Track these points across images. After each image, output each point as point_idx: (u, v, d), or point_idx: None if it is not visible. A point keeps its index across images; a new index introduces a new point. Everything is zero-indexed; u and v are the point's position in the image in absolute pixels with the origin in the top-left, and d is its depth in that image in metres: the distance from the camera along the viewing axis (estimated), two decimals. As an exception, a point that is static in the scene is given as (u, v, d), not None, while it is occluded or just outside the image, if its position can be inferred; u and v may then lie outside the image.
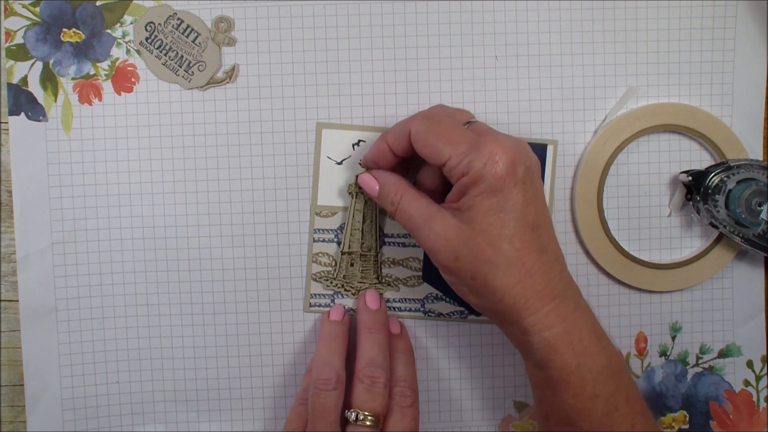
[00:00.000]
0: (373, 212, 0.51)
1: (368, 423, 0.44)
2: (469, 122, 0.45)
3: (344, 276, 0.52)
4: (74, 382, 0.51)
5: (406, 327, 0.53)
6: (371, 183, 0.47)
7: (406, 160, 0.46)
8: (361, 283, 0.52)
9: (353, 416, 0.44)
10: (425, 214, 0.43)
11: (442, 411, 0.53)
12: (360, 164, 0.50)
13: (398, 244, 0.52)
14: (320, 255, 0.51)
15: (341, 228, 0.51)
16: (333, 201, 0.51)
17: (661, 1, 0.51)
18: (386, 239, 0.52)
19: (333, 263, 0.52)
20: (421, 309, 0.52)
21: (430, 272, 0.52)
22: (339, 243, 0.51)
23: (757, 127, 0.52)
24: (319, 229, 0.51)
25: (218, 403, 0.53)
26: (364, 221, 0.51)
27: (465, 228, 0.41)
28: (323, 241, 0.51)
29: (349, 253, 0.51)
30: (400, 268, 0.52)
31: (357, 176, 0.49)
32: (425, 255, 0.52)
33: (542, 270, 0.41)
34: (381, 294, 0.51)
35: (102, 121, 0.50)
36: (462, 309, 0.52)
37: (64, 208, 0.50)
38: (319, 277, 0.52)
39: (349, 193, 0.51)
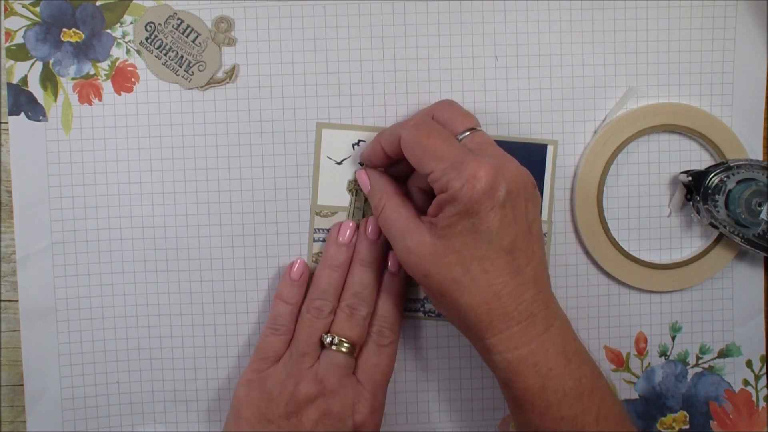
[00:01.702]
0: None
1: (344, 349, 0.47)
2: (472, 129, 0.44)
3: None
4: (74, 382, 0.51)
5: (405, 328, 0.53)
6: (365, 181, 0.48)
7: (403, 159, 0.47)
8: None
9: (328, 340, 0.47)
10: (403, 227, 0.44)
11: (441, 411, 0.53)
12: (359, 162, 0.50)
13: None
14: (321, 255, 0.51)
15: None
16: (333, 201, 0.51)
17: (661, 1, 0.51)
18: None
19: None
20: (421, 309, 0.52)
21: None
22: None
23: (757, 127, 0.52)
24: (319, 229, 0.51)
25: (218, 403, 0.53)
26: (364, 217, 0.51)
27: (439, 245, 0.41)
28: (324, 240, 0.51)
29: None
30: (400, 268, 0.52)
31: (356, 172, 0.50)
32: None
33: (512, 293, 0.41)
34: None
35: (102, 121, 0.50)
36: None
37: (64, 208, 0.50)
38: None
39: (349, 191, 0.51)
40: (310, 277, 0.50)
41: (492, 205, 0.40)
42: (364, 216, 0.51)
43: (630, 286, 0.53)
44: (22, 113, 0.50)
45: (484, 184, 0.39)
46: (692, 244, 0.53)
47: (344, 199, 0.51)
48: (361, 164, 0.50)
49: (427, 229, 0.42)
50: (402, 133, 0.44)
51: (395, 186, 0.47)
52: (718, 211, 0.50)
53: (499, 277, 0.40)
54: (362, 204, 0.51)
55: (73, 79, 0.50)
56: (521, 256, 0.41)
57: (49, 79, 0.50)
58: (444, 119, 0.45)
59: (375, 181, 0.48)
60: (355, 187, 0.51)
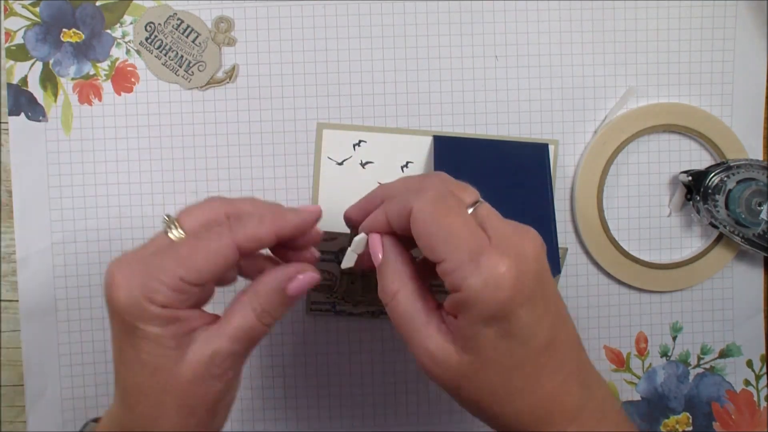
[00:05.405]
0: None
1: None
2: (476, 203, 0.36)
3: (345, 291, 0.51)
4: (74, 382, 0.51)
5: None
6: (377, 250, 0.38)
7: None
8: (362, 297, 0.51)
9: None
10: (421, 327, 0.36)
11: (442, 412, 0.53)
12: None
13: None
14: (321, 272, 0.50)
15: (342, 251, 0.51)
16: (332, 226, 0.51)
17: (661, 1, 0.51)
18: None
19: (333, 278, 0.51)
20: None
21: None
22: (339, 262, 0.50)
23: (757, 127, 0.52)
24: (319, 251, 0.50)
25: (218, 403, 0.52)
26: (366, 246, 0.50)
27: (467, 358, 0.34)
28: (323, 260, 0.50)
29: (350, 273, 0.50)
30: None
31: (369, 235, 0.39)
32: None
33: (558, 391, 0.34)
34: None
35: (102, 121, 0.50)
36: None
37: (64, 208, 0.50)
38: (320, 289, 0.51)
39: (349, 225, 0.50)
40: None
41: (522, 300, 0.33)
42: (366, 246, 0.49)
43: (630, 286, 0.53)
44: (22, 113, 0.50)
45: (509, 280, 0.32)
46: (692, 244, 0.53)
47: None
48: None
49: (449, 333, 0.35)
50: (415, 206, 0.35)
51: (412, 267, 0.38)
52: (718, 211, 0.50)
53: (541, 378, 0.34)
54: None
55: (73, 79, 0.50)
56: (560, 345, 0.35)
57: (49, 80, 0.50)
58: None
59: (389, 256, 0.38)
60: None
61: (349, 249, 0.39)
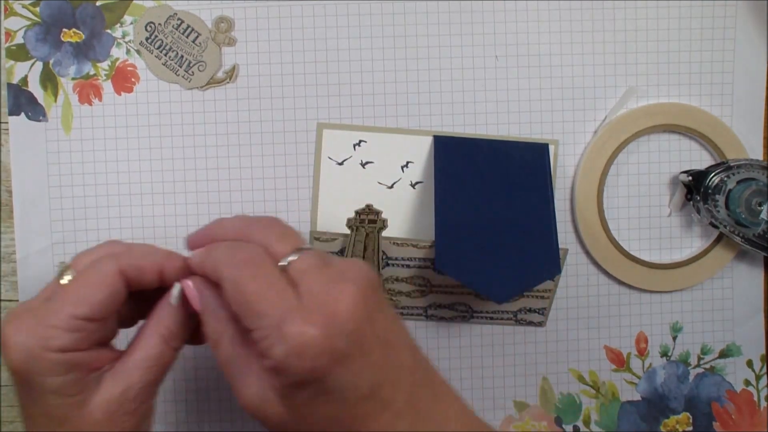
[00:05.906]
0: (375, 242, 0.50)
1: None
2: (298, 250, 0.35)
3: None
4: (74, 382, 0.51)
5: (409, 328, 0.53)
6: (194, 299, 0.36)
7: None
8: None
9: None
10: (240, 374, 0.35)
11: (442, 411, 0.53)
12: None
13: (402, 265, 0.51)
14: None
15: (342, 251, 0.51)
16: (332, 226, 0.51)
17: (661, 1, 0.51)
18: (389, 261, 0.51)
19: None
20: (423, 315, 0.52)
21: (447, 257, 0.46)
22: None
23: (757, 127, 0.52)
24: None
25: (218, 403, 0.52)
26: (365, 250, 0.50)
27: (285, 415, 0.33)
28: None
29: None
30: (403, 284, 0.52)
31: (182, 282, 0.37)
32: (436, 237, 0.47)
33: (384, 430, 0.33)
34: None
35: (102, 121, 0.50)
36: (464, 314, 0.52)
37: (64, 208, 0.50)
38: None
39: (349, 227, 0.50)
40: None
41: (334, 362, 0.31)
42: (365, 248, 0.50)
43: (630, 286, 0.53)
44: (23, 113, 0.50)
45: (315, 349, 0.31)
46: (692, 244, 0.53)
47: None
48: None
49: (269, 384, 0.33)
50: (223, 275, 0.34)
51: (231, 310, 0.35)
52: (718, 211, 0.50)
53: (366, 422, 0.33)
54: (363, 238, 0.50)
55: (73, 79, 0.50)
56: (387, 386, 0.33)
57: (49, 80, 0.50)
58: (263, 245, 0.36)
59: (208, 303, 0.36)
60: (355, 224, 0.50)
61: (170, 299, 0.37)
